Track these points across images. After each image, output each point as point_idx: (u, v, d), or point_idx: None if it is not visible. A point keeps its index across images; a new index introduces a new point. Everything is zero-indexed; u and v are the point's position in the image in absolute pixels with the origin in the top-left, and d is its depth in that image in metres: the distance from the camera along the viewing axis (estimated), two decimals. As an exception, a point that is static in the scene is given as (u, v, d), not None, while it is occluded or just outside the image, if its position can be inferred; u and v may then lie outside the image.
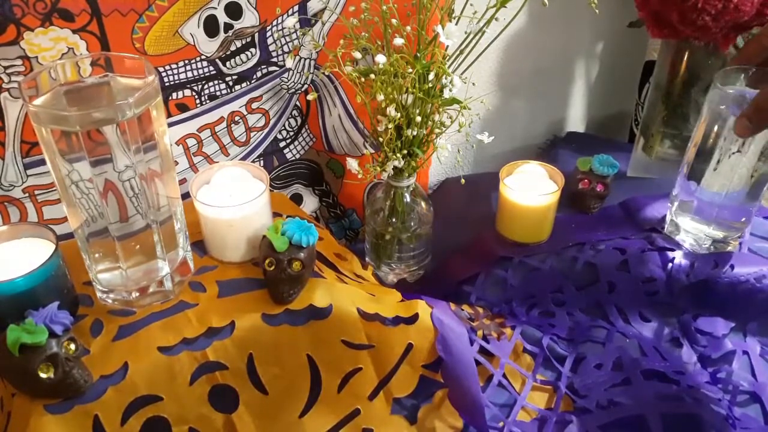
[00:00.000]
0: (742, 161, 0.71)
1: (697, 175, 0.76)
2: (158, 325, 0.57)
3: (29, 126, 0.62)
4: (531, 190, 0.78)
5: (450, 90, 0.67)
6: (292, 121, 0.81)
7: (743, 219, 0.78)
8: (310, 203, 0.89)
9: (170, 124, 0.71)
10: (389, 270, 0.84)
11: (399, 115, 0.66)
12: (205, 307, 0.59)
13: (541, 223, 0.81)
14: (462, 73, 0.70)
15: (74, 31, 0.60)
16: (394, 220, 0.79)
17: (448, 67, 0.68)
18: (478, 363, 0.68)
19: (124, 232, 0.55)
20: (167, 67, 0.68)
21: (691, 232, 0.80)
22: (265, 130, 0.79)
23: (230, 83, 0.73)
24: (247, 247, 0.64)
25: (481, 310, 0.75)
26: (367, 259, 0.85)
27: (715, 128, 0.72)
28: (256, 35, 0.71)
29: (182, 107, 0.71)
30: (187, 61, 0.68)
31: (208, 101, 0.72)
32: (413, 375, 0.66)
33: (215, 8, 0.67)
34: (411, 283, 0.84)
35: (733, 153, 0.71)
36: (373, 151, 0.75)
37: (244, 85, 0.74)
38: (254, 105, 0.76)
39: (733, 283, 0.76)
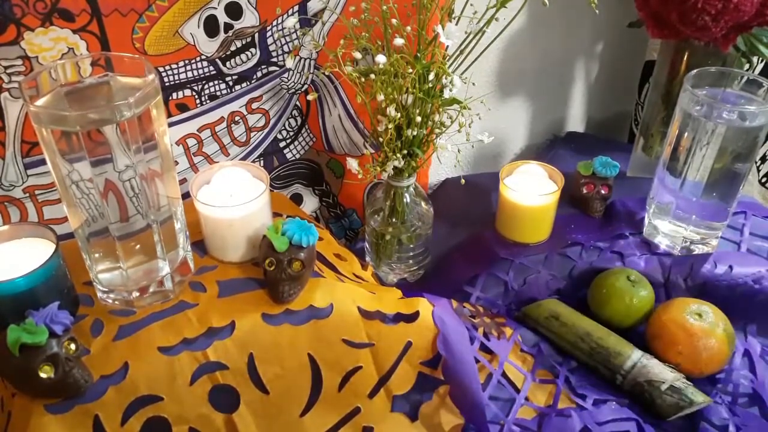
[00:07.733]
0: (708, 154, 0.73)
1: (674, 173, 0.77)
2: (158, 325, 0.57)
3: (29, 126, 0.62)
4: (531, 190, 0.78)
5: (450, 90, 0.67)
6: (292, 121, 0.81)
7: (720, 219, 0.78)
8: (310, 203, 0.89)
9: (170, 124, 0.71)
10: (389, 270, 0.84)
11: (399, 115, 0.66)
12: (205, 307, 0.59)
13: (541, 223, 0.81)
14: (462, 73, 0.70)
15: (74, 31, 0.60)
16: (394, 220, 0.79)
17: (448, 67, 0.68)
18: (478, 361, 0.68)
19: (125, 232, 0.55)
20: (167, 67, 0.68)
21: (669, 234, 0.80)
22: (265, 130, 0.79)
23: (230, 83, 0.73)
24: (247, 247, 0.64)
25: (481, 309, 0.75)
26: (367, 259, 0.85)
27: (687, 129, 0.74)
28: (256, 35, 0.71)
29: (182, 107, 0.71)
30: (187, 61, 0.68)
31: (208, 101, 0.72)
32: (411, 372, 0.66)
33: (215, 8, 0.67)
34: (411, 283, 0.84)
35: (704, 146, 0.73)
36: (373, 151, 0.75)
37: (244, 85, 0.74)
38: (254, 105, 0.76)
39: (731, 285, 0.76)
